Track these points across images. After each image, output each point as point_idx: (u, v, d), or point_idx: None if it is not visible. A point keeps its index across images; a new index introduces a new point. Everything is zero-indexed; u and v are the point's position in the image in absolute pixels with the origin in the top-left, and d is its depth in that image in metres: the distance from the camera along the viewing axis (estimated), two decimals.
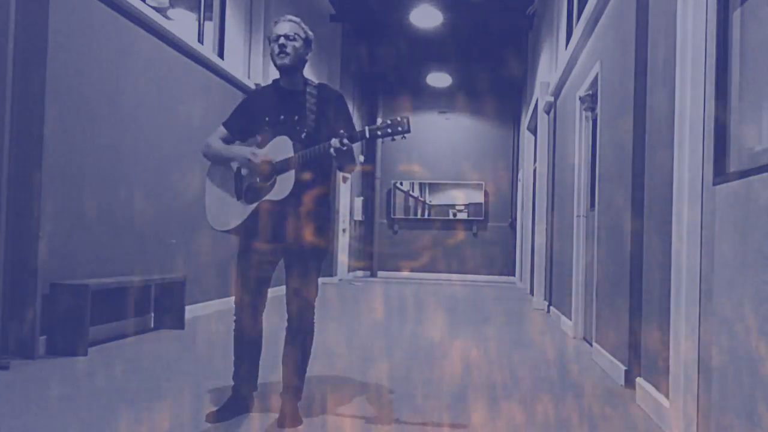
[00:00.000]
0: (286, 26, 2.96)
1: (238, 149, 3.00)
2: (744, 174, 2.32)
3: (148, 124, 5.65)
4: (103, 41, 4.97)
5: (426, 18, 11.61)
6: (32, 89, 4.30)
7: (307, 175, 2.91)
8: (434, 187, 15.87)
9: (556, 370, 4.51)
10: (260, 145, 2.99)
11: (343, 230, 13.52)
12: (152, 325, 5.77)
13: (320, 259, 3.03)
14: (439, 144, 15.93)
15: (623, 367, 3.93)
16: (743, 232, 2.30)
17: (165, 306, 5.79)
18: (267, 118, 3.00)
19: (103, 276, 4.97)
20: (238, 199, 2.97)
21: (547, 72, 9.15)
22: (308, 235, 2.96)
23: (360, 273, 15.38)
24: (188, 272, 6.13)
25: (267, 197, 2.88)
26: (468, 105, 15.79)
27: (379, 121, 2.78)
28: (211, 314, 6.73)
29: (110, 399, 3.29)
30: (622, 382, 3.91)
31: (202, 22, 7.04)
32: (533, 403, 3.50)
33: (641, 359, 3.63)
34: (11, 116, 4.26)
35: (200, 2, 7.07)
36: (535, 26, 11.36)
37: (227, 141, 3.09)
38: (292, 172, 2.83)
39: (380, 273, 15.60)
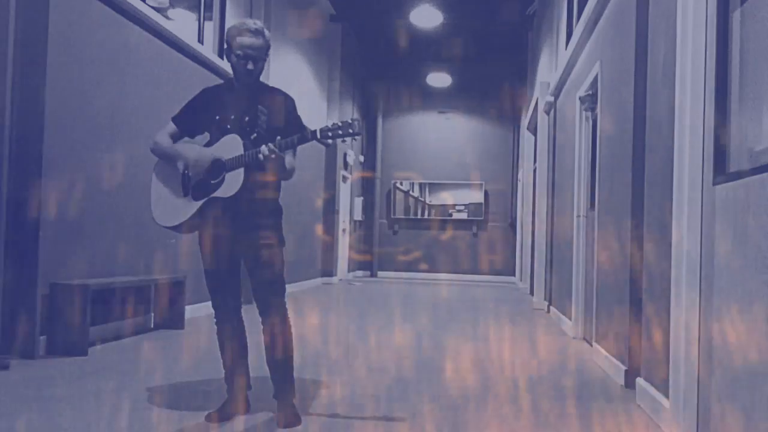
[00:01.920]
0: (252, 44, 2.89)
1: (184, 149, 2.96)
2: (744, 174, 2.32)
3: (148, 123, 5.64)
4: (103, 41, 4.97)
5: (426, 18, 11.61)
6: (32, 89, 4.29)
7: (257, 174, 2.89)
8: (434, 187, 15.87)
9: (556, 370, 4.50)
10: (208, 144, 2.98)
11: (343, 230, 13.52)
12: (152, 325, 5.76)
13: (277, 254, 2.98)
14: (439, 144, 15.92)
15: (623, 367, 3.93)
16: (743, 232, 2.29)
17: (165, 306, 5.78)
18: (218, 117, 2.98)
19: (103, 276, 4.97)
20: (185, 195, 2.95)
21: (547, 72, 9.15)
22: (262, 229, 2.93)
23: (360, 273, 15.38)
24: (188, 272, 6.13)
25: (216, 194, 2.87)
26: (468, 105, 15.79)
27: (329, 123, 2.81)
28: (211, 314, 6.71)
29: (110, 399, 3.29)
30: (622, 382, 3.91)
31: (202, 22, 7.04)
32: (533, 404, 3.50)
33: (641, 359, 3.63)
34: (11, 116, 4.26)
35: (200, 2, 7.07)
36: (535, 26, 11.36)
37: (176, 137, 3.06)
38: (241, 170, 2.83)
39: (380, 273, 15.60)
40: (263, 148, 2.76)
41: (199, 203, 2.90)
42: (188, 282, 5.97)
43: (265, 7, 8.40)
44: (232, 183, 2.84)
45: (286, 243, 3.05)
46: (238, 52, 2.90)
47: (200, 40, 6.94)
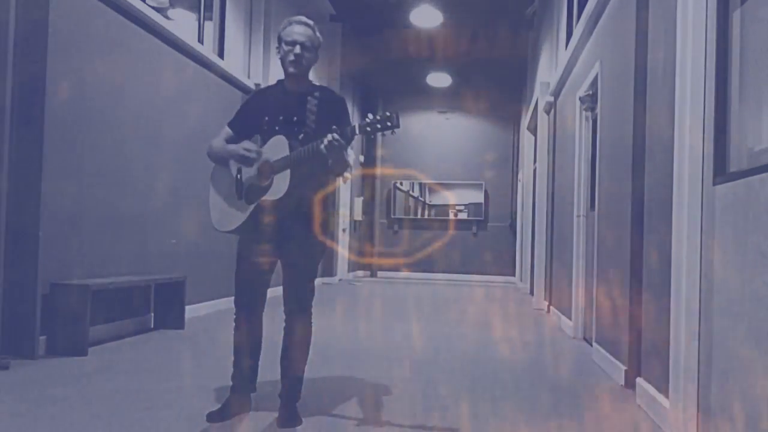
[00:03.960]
0: (302, 32, 2.95)
1: (234, 146, 3.00)
2: (744, 174, 2.32)
3: (147, 123, 5.65)
4: (103, 41, 4.97)
5: (426, 18, 11.60)
6: (32, 89, 4.29)
7: (303, 174, 2.90)
8: (434, 187, 15.87)
9: (556, 370, 4.51)
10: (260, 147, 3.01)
11: (343, 230, 13.52)
12: (152, 325, 5.76)
13: (317, 259, 3.03)
14: (439, 144, 15.92)
15: (623, 367, 3.93)
16: (743, 232, 2.30)
17: (165, 306, 5.78)
18: (267, 118, 3.01)
19: (103, 276, 4.97)
20: (239, 199, 2.99)
21: (547, 72, 9.15)
22: (305, 233, 2.95)
23: (360, 273, 15.38)
24: (188, 272, 6.13)
25: (265, 197, 2.89)
26: (468, 105, 15.78)
27: (370, 117, 2.79)
28: (211, 314, 6.73)
29: (110, 399, 3.29)
30: (622, 382, 3.91)
31: (202, 22, 7.04)
32: (533, 404, 3.50)
33: (641, 359, 3.64)
34: (11, 116, 4.26)
35: (200, 2, 7.07)
36: (535, 26, 11.36)
37: (232, 141, 3.09)
38: (288, 172, 2.84)
39: (380, 273, 15.60)
40: (328, 136, 2.74)
41: (252, 206, 2.92)
42: (188, 282, 5.97)
43: (265, 7, 8.40)
44: (279, 185, 2.85)
45: (326, 249, 3.07)
46: (287, 39, 2.94)
47: (200, 40, 6.94)
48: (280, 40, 2.99)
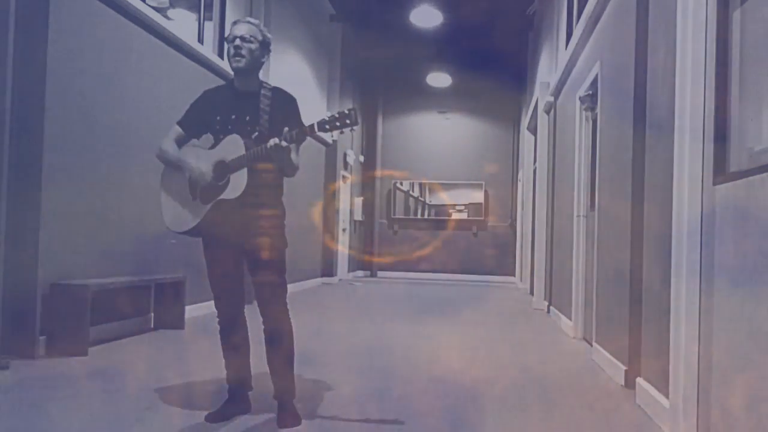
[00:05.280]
0: (243, 28, 2.96)
1: (190, 165, 2.94)
2: (744, 174, 2.32)
3: (147, 124, 5.64)
4: (103, 41, 4.97)
5: (426, 18, 11.60)
6: (32, 89, 4.29)
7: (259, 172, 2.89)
8: (434, 187, 15.87)
9: (555, 370, 4.50)
10: (213, 145, 2.99)
11: (343, 230, 13.52)
12: (152, 325, 5.76)
13: (282, 252, 2.99)
14: (439, 144, 15.92)
15: (623, 367, 3.93)
16: (743, 232, 2.30)
17: (165, 306, 5.78)
18: (219, 118, 2.99)
19: (103, 276, 4.97)
20: (194, 199, 2.96)
21: (547, 72, 9.15)
22: (266, 229, 2.94)
23: (360, 273, 15.38)
24: (188, 272, 6.12)
25: (222, 196, 2.87)
26: (468, 105, 15.78)
27: (329, 114, 2.80)
28: (211, 314, 6.71)
29: (110, 399, 3.29)
30: (622, 382, 3.91)
31: (202, 22, 7.04)
32: (533, 404, 3.50)
33: (641, 359, 3.64)
34: (11, 116, 4.26)
35: (200, 2, 7.07)
36: (535, 26, 11.36)
37: (182, 140, 3.07)
38: (245, 171, 2.84)
39: (380, 273, 15.60)
40: (273, 139, 2.76)
41: (208, 206, 2.90)
42: (188, 282, 5.97)
43: (265, 7, 8.40)
44: (236, 184, 2.85)
45: (288, 244, 3.06)
46: (229, 37, 2.95)
47: (200, 40, 6.94)
48: (226, 41, 3.01)
